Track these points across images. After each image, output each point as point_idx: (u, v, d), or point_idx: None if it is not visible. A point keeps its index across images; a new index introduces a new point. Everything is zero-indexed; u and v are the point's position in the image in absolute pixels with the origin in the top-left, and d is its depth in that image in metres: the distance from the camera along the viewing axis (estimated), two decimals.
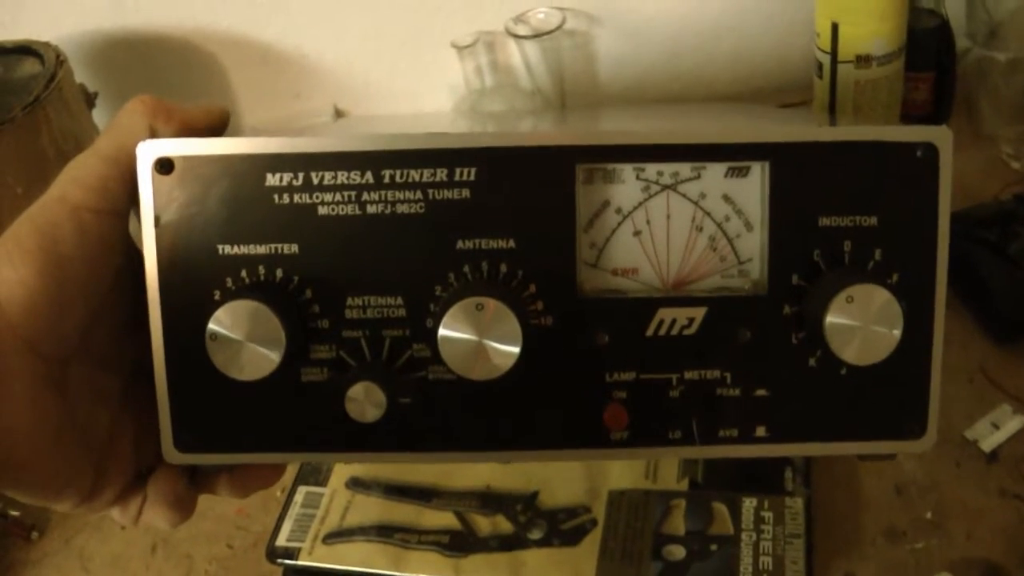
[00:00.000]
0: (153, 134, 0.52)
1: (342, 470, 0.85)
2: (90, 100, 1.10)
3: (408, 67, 1.24)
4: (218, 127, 0.56)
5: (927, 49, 1.01)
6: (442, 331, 0.49)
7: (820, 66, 0.94)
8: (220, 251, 0.52)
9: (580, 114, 1.05)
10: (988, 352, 0.89)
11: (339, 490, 0.83)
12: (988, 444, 0.81)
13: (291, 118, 1.25)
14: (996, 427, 0.82)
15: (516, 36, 1.17)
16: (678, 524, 0.77)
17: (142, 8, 1.18)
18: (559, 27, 1.16)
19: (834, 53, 0.92)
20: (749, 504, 0.77)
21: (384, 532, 0.79)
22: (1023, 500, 0.77)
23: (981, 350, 0.89)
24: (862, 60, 0.91)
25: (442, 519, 0.80)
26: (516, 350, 0.49)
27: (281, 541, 0.80)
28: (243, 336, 0.50)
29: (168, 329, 0.53)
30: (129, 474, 0.54)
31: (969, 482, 0.79)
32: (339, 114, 1.25)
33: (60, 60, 1.02)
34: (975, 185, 1.04)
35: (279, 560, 0.79)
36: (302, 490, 0.84)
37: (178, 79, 1.23)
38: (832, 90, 0.93)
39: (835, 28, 0.90)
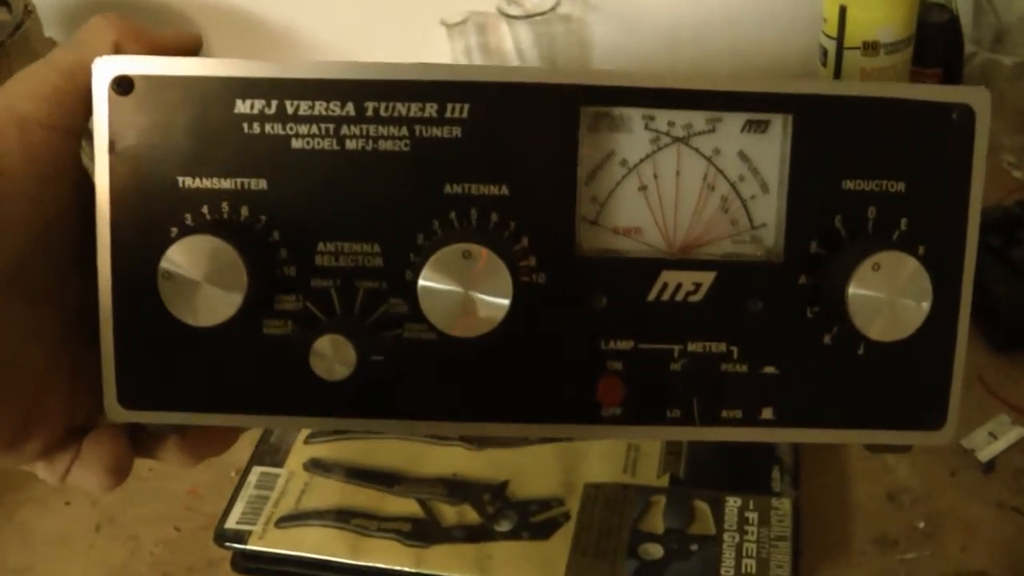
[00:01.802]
0: (117, 52, 0.48)
1: (301, 450, 0.80)
2: None
3: (397, 45, 1.21)
4: (189, 55, 0.51)
5: (935, 45, 0.98)
6: (423, 281, 0.45)
7: (825, 52, 0.91)
8: (180, 183, 0.47)
9: None
10: (987, 360, 0.86)
11: (297, 472, 0.79)
12: (985, 454, 0.78)
13: None
14: (994, 437, 0.79)
15: (508, 16, 1.14)
16: (657, 522, 0.73)
17: None
18: (553, 8, 1.13)
19: (840, 38, 0.88)
20: (733, 503, 0.73)
21: (342, 517, 0.74)
22: (1020, 513, 0.73)
23: (980, 358, 0.86)
24: (869, 47, 0.87)
25: (405, 506, 0.75)
26: (506, 303, 0.45)
27: (231, 524, 0.75)
28: (200, 276, 0.45)
29: (118, 267, 0.48)
30: (59, 427, 0.49)
31: (965, 492, 0.76)
32: None
33: (28, 10, 0.99)
34: None
35: (227, 544, 0.74)
36: (257, 470, 0.79)
37: None
38: (836, 78, 0.90)
39: (843, 12, 0.87)
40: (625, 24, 1.19)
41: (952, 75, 1.00)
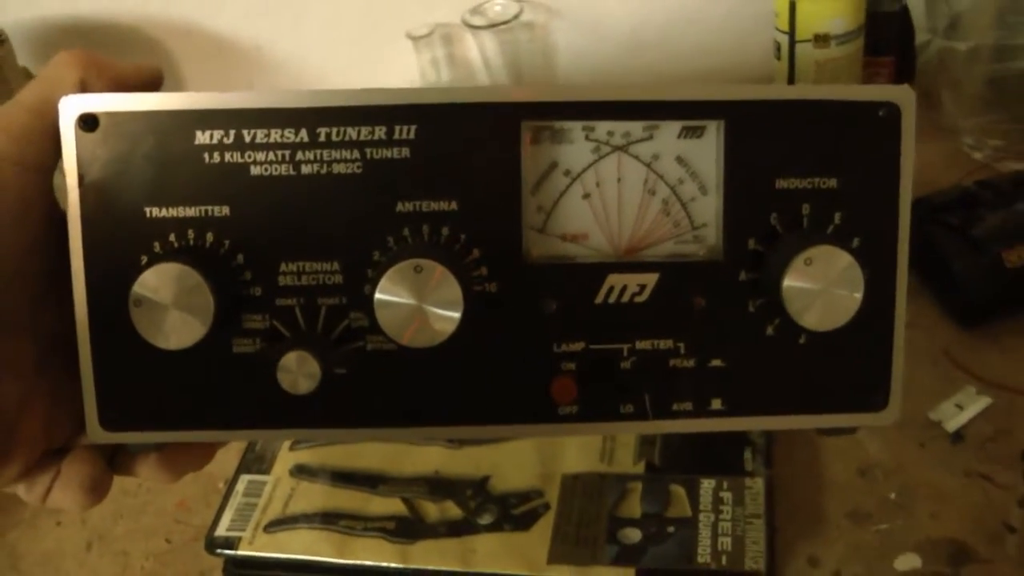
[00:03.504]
0: (83, 88, 0.50)
1: (286, 457, 0.83)
2: None
3: (364, 58, 1.23)
4: (151, 86, 0.53)
5: (887, 34, 1.00)
6: (379, 295, 0.47)
7: (779, 47, 0.93)
8: (147, 213, 0.50)
9: None
10: (952, 336, 0.89)
11: (283, 478, 0.81)
12: (952, 425, 0.80)
13: None
14: (960, 408, 0.81)
15: (472, 27, 1.16)
16: (634, 507, 0.75)
17: None
18: (515, 17, 1.15)
19: (792, 32, 0.90)
20: (708, 485, 0.75)
21: (328, 519, 0.76)
22: (988, 480, 0.76)
23: (945, 334, 0.89)
24: (820, 39, 0.90)
25: (389, 506, 0.77)
26: (457, 315, 0.47)
27: (221, 531, 0.77)
28: (169, 301, 0.47)
29: (92, 296, 0.50)
30: (38, 451, 0.51)
31: (934, 463, 0.78)
32: None
33: (0, 40, 1.00)
34: (937, 175, 1.04)
35: (218, 551, 0.76)
36: (244, 479, 0.81)
37: None
38: (791, 71, 0.92)
39: (793, 6, 0.89)
40: (588, 30, 1.21)
41: (905, 63, 1.02)
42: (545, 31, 1.22)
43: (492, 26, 1.15)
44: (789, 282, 0.48)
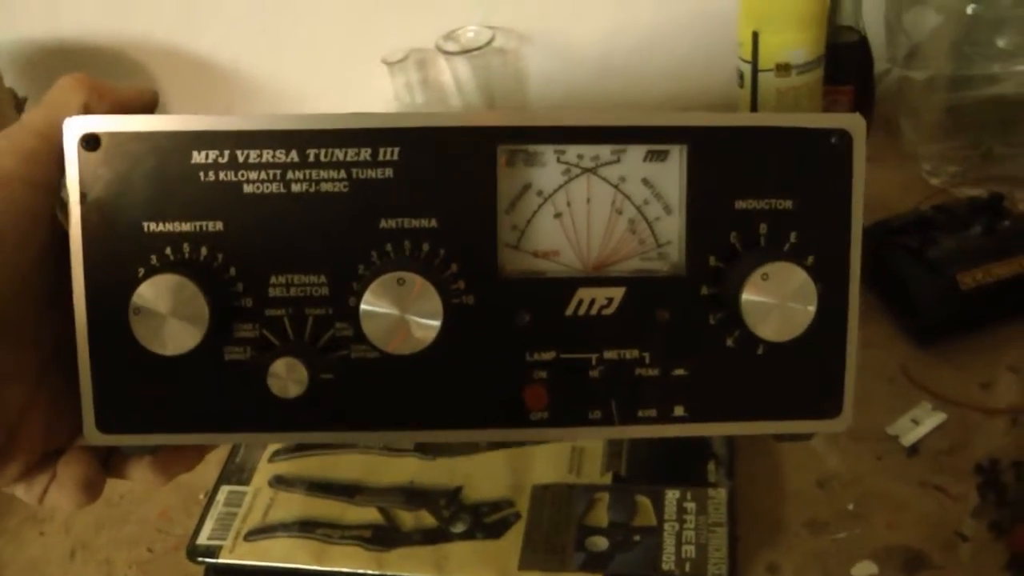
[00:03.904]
0: (87, 111, 0.52)
1: (266, 468, 0.85)
2: (19, 105, 1.09)
3: (340, 82, 1.25)
4: (149, 108, 0.56)
5: (847, 63, 1.04)
6: (364, 305, 0.50)
7: (741, 75, 0.96)
8: (145, 228, 0.52)
9: None
10: (909, 354, 0.91)
11: (262, 488, 0.83)
12: (909, 439, 0.83)
13: None
14: (916, 423, 0.84)
15: (446, 53, 1.18)
16: (601, 516, 0.78)
17: (77, 16, 1.17)
18: (488, 44, 1.17)
19: (755, 62, 0.93)
20: (672, 496, 0.78)
21: (306, 528, 0.79)
22: (942, 491, 0.78)
23: (902, 352, 0.92)
24: (782, 69, 0.93)
25: (365, 514, 0.80)
26: (437, 324, 0.50)
27: (202, 540, 0.80)
28: (166, 310, 0.50)
29: (92, 307, 0.52)
30: (37, 453, 0.53)
31: (890, 475, 0.81)
32: None
33: None
34: (895, 200, 1.06)
35: (200, 559, 0.78)
36: (224, 489, 0.84)
37: None
38: (753, 98, 0.95)
39: (755, 37, 0.92)
40: (558, 55, 1.23)
41: (864, 91, 1.05)
42: (516, 56, 1.24)
43: (465, 52, 1.17)
44: (747, 296, 0.51)
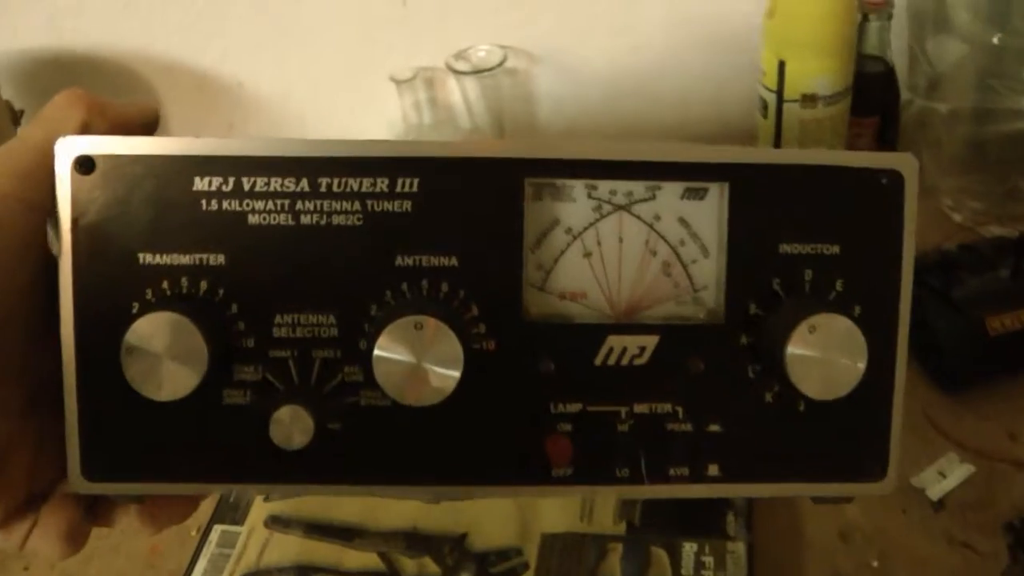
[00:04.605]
0: (86, 128, 0.49)
1: (261, 507, 0.81)
2: (16, 118, 1.06)
3: (346, 100, 1.23)
4: (150, 127, 0.53)
5: (872, 95, 1.01)
6: (377, 351, 0.46)
7: (765, 105, 0.93)
8: (141, 259, 0.49)
9: None
10: (933, 399, 0.89)
11: (257, 528, 0.80)
12: (935, 492, 0.80)
13: None
14: (943, 475, 0.81)
15: (456, 72, 1.16)
16: (614, 568, 0.74)
17: (78, 29, 1.15)
18: (500, 65, 1.15)
19: (780, 91, 0.90)
20: (689, 548, 0.75)
21: (303, 572, 0.75)
22: (970, 548, 0.75)
23: (926, 397, 0.89)
24: (808, 99, 0.90)
25: (365, 560, 0.76)
26: (456, 374, 0.46)
27: None
28: (162, 351, 0.46)
29: (81, 342, 0.49)
30: (19, 497, 0.50)
31: (916, 529, 0.78)
32: None
33: None
34: (917, 236, 1.03)
35: None
36: (217, 529, 0.80)
37: None
38: (778, 130, 0.92)
39: (782, 65, 0.89)
40: (568, 77, 1.21)
41: (889, 123, 1.02)
42: (527, 77, 1.22)
43: (476, 72, 1.15)
44: (792, 349, 0.47)
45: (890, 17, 1.01)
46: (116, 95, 1.19)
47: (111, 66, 1.18)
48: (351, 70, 1.19)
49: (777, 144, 0.92)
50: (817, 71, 0.88)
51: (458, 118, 1.20)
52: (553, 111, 1.25)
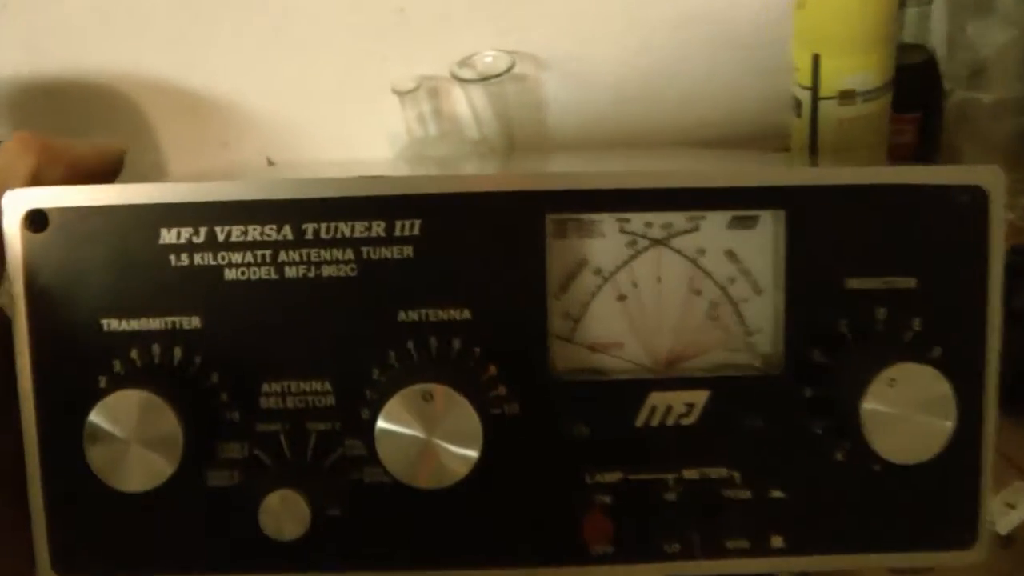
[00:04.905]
0: (37, 178, 0.45)
1: None
2: None
3: (346, 114, 1.18)
4: (113, 169, 0.49)
5: (911, 87, 0.94)
6: (381, 423, 0.40)
7: (799, 104, 0.86)
8: (105, 326, 0.43)
9: (533, 161, 0.97)
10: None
11: None
12: (1003, 526, 0.73)
13: (220, 169, 1.18)
14: (1011, 507, 0.73)
15: (461, 80, 1.10)
16: None
17: (59, 52, 1.11)
18: (507, 71, 1.10)
19: (815, 89, 0.84)
20: None
21: None
22: None
23: None
24: (846, 96, 0.83)
25: None
26: (474, 454, 0.40)
27: None
28: (129, 435, 0.41)
29: (43, 423, 0.44)
30: None
31: (980, 570, 0.71)
32: (271, 164, 1.19)
33: None
34: None
35: None
36: None
37: (99, 128, 1.15)
38: (813, 130, 0.85)
39: (816, 60, 0.82)
40: (576, 81, 1.16)
41: (931, 119, 0.96)
42: (535, 83, 1.17)
43: (483, 79, 1.10)
44: (870, 405, 0.41)
45: (930, 1, 0.94)
46: (104, 121, 1.14)
47: (97, 89, 1.13)
48: (350, 83, 1.14)
49: (813, 146, 0.86)
50: (855, 65, 0.82)
51: (465, 129, 1.15)
52: (561, 118, 1.20)
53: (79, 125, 1.15)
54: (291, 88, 1.15)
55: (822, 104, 0.84)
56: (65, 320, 0.43)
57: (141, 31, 1.11)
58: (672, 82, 1.17)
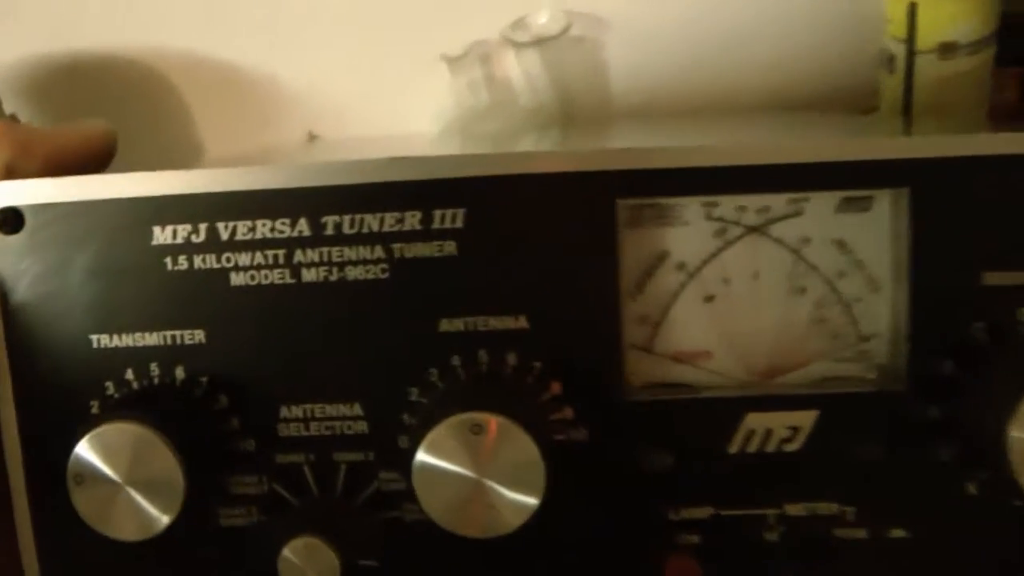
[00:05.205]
0: (10, 172, 0.41)
1: None
2: None
3: (391, 85, 1.14)
4: (103, 156, 0.44)
5: (1014, 38, 0.87)
6: (421, 456, 0.34)
7: (891, 58, 0.79)
8: (95, 343, 0.39)
9: (595, 133, 0.91)
10: None
11: None
12: None
13: (260, 149, 1.14)
14: None
15: (515, 43, 1.05)
16: None
17: (83, 30, 1.07)
18: (564, 32, 1.04)
19: (911, 41, 0.77)
20: None
21: None
22: None
23: None
24: (947, 49, 0.76)
25: None
26: (534, 501, 0.34)
27: None
28: (121, 477, 0.36)
29: (31, 458, 0.40)
30: None
31: None
32: (313, 139, 1.15)
33: None
34: None
35: None
36: None
37: (130, 108, 1.12)
38: (908, 87, 0.78)
39: (912, 10, 0.76)
40: (643, 43, 1.11)
41: None
42: (595, 45, 1.12)
43: (538, 42, 1.04)
44: (1017, 433, 0.34)
45: None
46: (135, 100, 1.11)
47: (128, 65, 1.10)
48: (395, 52, 1.10)
49: (907, 106, 0.79)
50: (957, 14, 0.76)
51: (518, 97, 1.10)
52: (626, 82, 1.14)
53: (106, 105, 1.12)
54: (335, 60, 1.11)
55: (919, 58, 0.78)
56: (49, 337, 0.39)
57: (165, 8, 1.09)
58: (747, 41, 1.12)
